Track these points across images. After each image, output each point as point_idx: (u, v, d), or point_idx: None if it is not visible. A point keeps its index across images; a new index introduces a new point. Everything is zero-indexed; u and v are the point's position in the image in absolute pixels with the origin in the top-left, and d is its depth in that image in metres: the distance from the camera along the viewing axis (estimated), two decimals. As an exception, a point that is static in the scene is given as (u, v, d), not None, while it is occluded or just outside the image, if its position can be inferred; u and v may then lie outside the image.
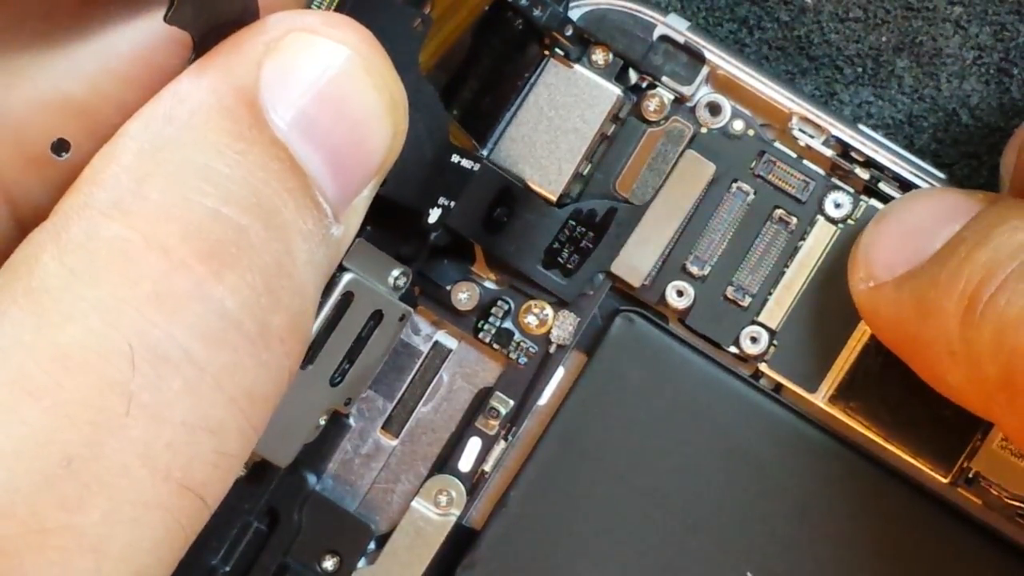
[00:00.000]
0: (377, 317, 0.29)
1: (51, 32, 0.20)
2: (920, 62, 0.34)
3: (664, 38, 0.31)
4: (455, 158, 0.28)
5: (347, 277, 0.27)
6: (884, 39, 0.34)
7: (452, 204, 0.29)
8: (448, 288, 0.32)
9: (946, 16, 0.34)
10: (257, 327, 0.20)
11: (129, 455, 0.19)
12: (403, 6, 0.24)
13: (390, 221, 0.27)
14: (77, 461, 0.18)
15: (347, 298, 0.28)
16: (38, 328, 0.19)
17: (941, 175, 0.30)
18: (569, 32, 0.30)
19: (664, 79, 0.31)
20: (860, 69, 0.35)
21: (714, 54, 0.31)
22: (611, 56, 0.31)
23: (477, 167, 0.30)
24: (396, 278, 0.29)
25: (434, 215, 0.28)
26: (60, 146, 0.21)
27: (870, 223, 0.29)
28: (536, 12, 0.29)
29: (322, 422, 0.29)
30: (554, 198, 0.31)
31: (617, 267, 0.31)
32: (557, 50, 0.31)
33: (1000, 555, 0.30)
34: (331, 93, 0.21)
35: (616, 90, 0.31)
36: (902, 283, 0.27)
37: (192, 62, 0.21)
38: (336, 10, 0.22)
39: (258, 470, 0.30)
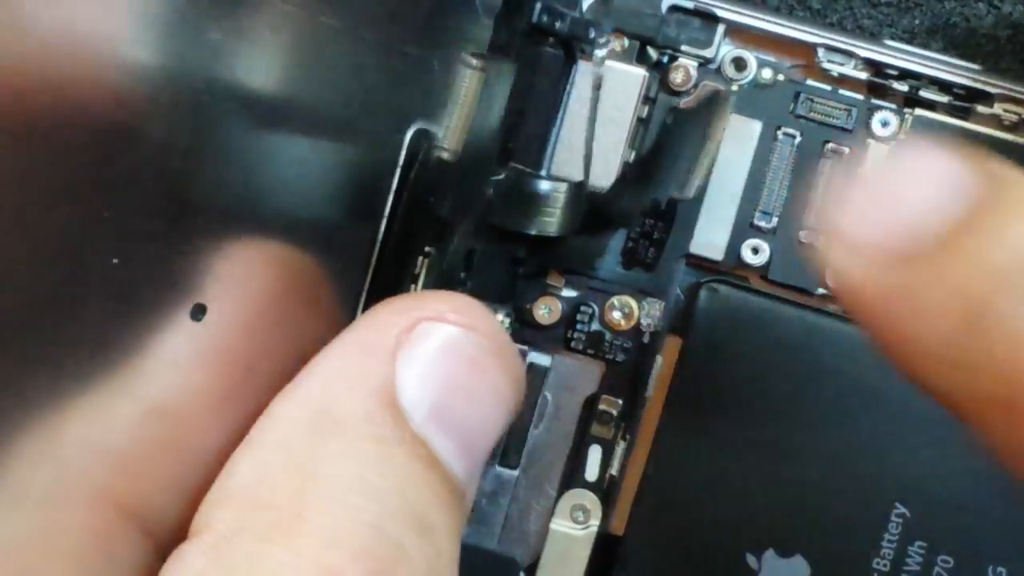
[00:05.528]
0: None
1: None
2: (955, 43, 0.34)
3: (674, 8, 0.31)
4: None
5: None
6: (917, 22, 0.34)
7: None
8: (528, 307, 0.31)
9: (979, -4, 0.34)
10: None
11: None
12: None
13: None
14: None
15: None
16: None
17: (975, 66, 0.30)
18: (592, 35, 0.30)
19: (683, 48, 0.31)
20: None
21: (725, 10, 0.31)
22: (626, 40, 0.31)
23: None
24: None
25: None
26: None
27: (853, 189, 0.23)
28: (558, 25, 0.29)
29: None
30: (609, 192, 0.31)
31: (695, 247, 0.31)
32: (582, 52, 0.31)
33: None
34: (462, 381, 0.21)
35: (641, 71, 0.30)
36: (895, 269, 0.22)
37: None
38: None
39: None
